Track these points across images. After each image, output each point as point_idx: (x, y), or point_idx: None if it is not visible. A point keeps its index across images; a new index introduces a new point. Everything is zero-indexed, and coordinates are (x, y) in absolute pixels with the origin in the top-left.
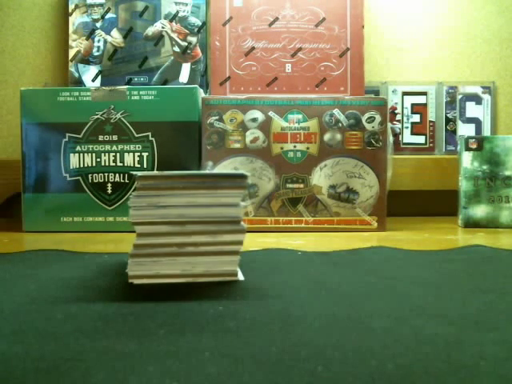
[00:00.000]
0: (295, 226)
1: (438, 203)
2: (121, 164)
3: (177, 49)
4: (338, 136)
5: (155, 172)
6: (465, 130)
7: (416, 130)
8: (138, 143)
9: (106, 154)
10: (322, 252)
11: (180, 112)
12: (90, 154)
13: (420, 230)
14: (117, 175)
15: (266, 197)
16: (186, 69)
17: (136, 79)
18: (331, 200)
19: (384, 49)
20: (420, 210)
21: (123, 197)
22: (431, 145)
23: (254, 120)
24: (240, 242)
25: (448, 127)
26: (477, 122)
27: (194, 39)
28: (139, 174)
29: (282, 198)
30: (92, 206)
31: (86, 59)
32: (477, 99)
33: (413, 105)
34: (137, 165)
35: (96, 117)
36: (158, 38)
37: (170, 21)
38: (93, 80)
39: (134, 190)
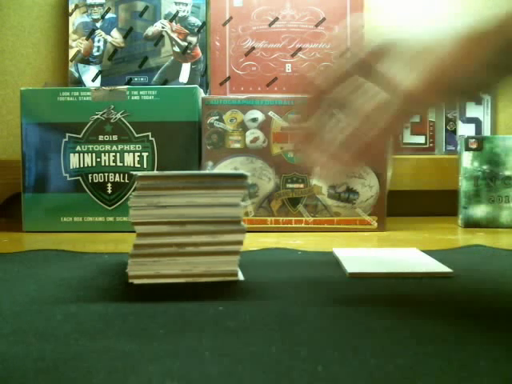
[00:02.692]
0: (295, 225)
1: (438, 203)
2: (121, 164)
3: (177, 49)
4: None
5: (155, 172)
6: (465, 130)
7: (416, 130)
8: (138, 143)
9: (106, 154)
10: (322, 252)
11: (180, 112)
12: (89, 154)
13: (420, 230)
14: (117, 175)
15: (266, 197)
16: (186, 69)
17: (136, 79)
18: (331, 200)
19: None
20: (420, 209)
21: (123, 197)
22: (431, 145)
23: (254, 120)
24: (240, 242)
25: (448, 127)
26: (477, 121)
27: (194, 39)
28: (139, 173)
29: (282, 198)
30: (92, 205)
31: (86, 59)
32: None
33: None
34: (137, 165)
35: (96, 117)
36: (158, 38)
37: (170, 21)
38: (93, 80)
39: (134, 190)
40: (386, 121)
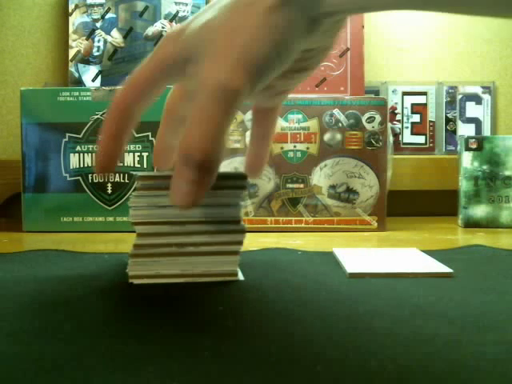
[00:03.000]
0: (295, 225)
1: (438, 203)
2: (121, 164)
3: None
4: (338, 136)
5: (155, 172)
6: (465, 130)
7: (416, 130)
8: (138, 143)
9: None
10: (322, 252)
11: None
12: (90, 154)
13: (420, 230)
14: (117, 175)
15: (266, 197)
16: None
17: None
18: (331, 200)
19: (384, 49)
20: (420, 209)
21: (123, 197)
22: (431, 145)
23: None
24: (240, 242)
25: (448, 127)
26: (477, 122)
27: None
28: (139, 173)
29: (282, 198)
30: (92, 205)
31: (86, 59)
32: (477, 99)
33: (413, 105)
34: (137, 165)
35: (96, 117)
36: (158, 38)
37: (170, 21)
38: (93, 80)
39: (134, 190)
40: (206, 118)
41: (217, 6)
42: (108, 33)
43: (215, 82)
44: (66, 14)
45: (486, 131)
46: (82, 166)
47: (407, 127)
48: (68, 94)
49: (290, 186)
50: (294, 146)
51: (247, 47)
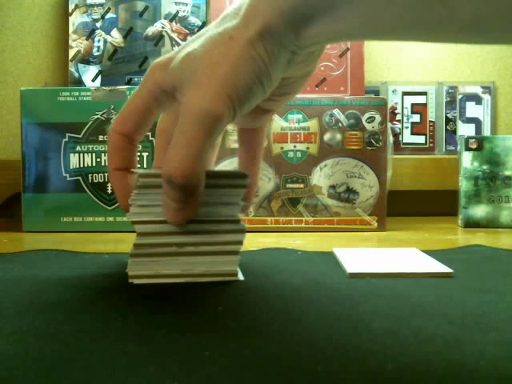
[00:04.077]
0: (295, 225)
1: (438, 203)
2: None
3: (177, 49)
4: (338, 136)
5: (157, 170)
6: (465, 130)
7: (416, 129)
8: (138, 143)
9: (106, 154)
10: (322, 252)
11: None
12: (89, 154)
13: (420, 230)
14: None
15: (266, 197)
16: None
17: (136, 79)
18: (331, 200)
19: (384, 49)
20: (420, 209)
21: None
22: (431, 145)
23: None
24: (240, 242)
25: (448, 127)
26: (477, 122)
27: None
28: (140, 171)
29: (281, 198)
30: (92, 205)
31: (86, 59)
32: (477, 99)
33: (413, 105)
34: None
35: (96, 117)
36: (158, 38)
37: (170, 21)
38: (93, 80)
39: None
40: (185, 143)
41: (202, 38)
42: (108, 33)
43: (198, 107)
44: (66, 14)
45: (486, 131)
46: (81, 166)
47: (407, 127)
48: (68, 93)
49: (290, 185)
50: (294, 146)
51: (230, 77)
